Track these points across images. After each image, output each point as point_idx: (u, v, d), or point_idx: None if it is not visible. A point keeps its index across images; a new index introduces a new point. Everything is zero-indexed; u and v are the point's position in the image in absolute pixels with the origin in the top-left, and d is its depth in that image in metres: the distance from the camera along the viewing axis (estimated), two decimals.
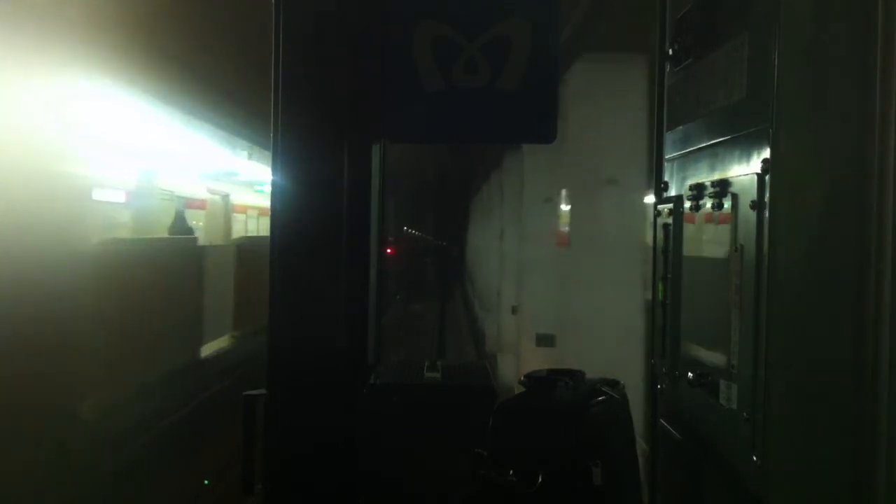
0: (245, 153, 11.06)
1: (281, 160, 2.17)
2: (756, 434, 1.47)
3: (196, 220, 9.89)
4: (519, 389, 1.88)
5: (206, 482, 5.53)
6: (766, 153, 1.45)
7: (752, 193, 1.49)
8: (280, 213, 2.17)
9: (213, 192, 10.89)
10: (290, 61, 2.16)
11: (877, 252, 1.38)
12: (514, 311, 8.08)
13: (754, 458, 1.46)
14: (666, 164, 2.15)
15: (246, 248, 10.07)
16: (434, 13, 2.25)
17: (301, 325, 2.18)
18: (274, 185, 2.18)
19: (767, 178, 1.45)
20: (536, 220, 7.06)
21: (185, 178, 9.30)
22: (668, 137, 2.14)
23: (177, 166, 8.71)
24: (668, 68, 2.16)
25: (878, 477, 1.38)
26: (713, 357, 1.70)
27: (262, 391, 2.18)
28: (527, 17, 2.24)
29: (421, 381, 2.26)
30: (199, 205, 10.33)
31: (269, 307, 2.19)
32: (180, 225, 8.72)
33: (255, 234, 12.70)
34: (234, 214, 12.29)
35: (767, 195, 1.45)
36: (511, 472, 1.69)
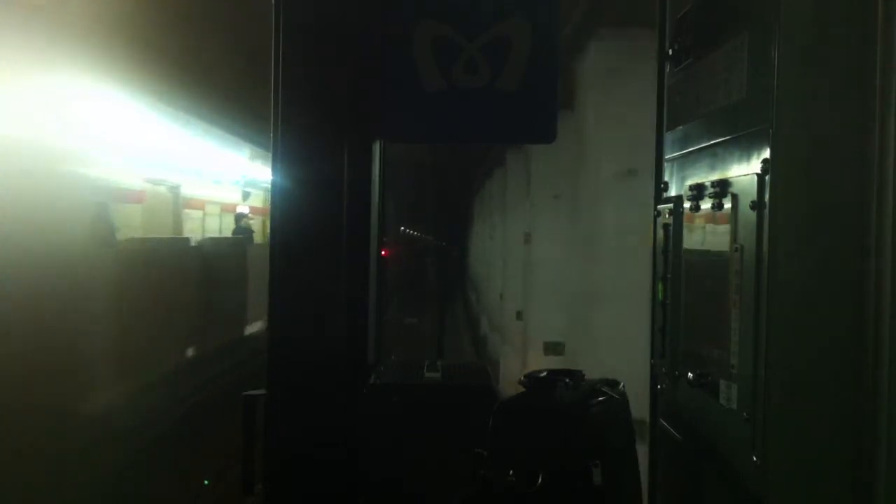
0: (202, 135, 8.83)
1: (281, 160, 2.17)
2: (756, 434, 1.47)
3: (132, 217, 6.96)
4: (519, 389, 1.88)
5: (206, 482, 5.46)
6: (766, 153, 1.45)
7: (752, 193, 1.49)
8: (280, 213, 2.17)
9: (154, 182, 8.17)
10: (290, 61, 2.16)
11: (876, 252, 1.38)
12: (553, 351, 5.49)
13: (754, 458, 1.46)
14: (666, 164, 2.15)
15: (144, 256, 6.50)
16: (434, 13, 2.25)
17: (301, 325, 2.18)
18: (274, 185, 2.18)
19: (767, 178, 1.45)
20: (610, 211, 4.43)
21: (119, 163, 6.43)
22: (668, 137, 2.14)
23: (107, 149, 5.99)
24: (668, 68, 2.16)
25: (878, 477, 1.38)
26: (713, 357, 1.70)
27: (262, 391, 2.18)
28: (527, 17, 2.24)
29: (421, 381, 2.26)
30: (136, 197, 7.43)
31: (269, 307, 2.19)
32: (104, 223, 5.99)
33: (214, 234, 9.93)
34: (187, 211, 9.31)
35: (767, 195, 1.45)
36: (511, 472, 1.69)
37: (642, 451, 2.00)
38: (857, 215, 1.40)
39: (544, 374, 1.88)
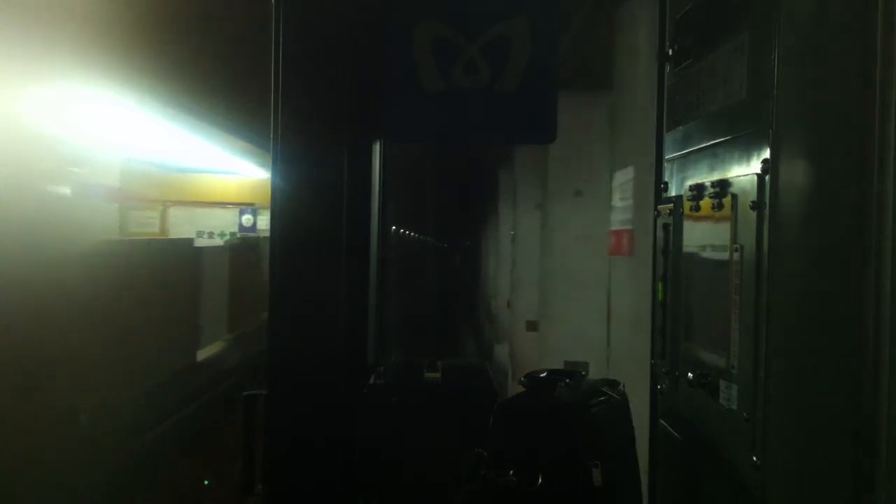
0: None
1: (281, 160, 2.17)
2: (756, 434, 1.46)
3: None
4: (519, 389, 1.88)
5: (206, 482, 5.48)
6: (766, 153, 1.45)
7: (752, 193, 1.48)
8: (280, 213, 2.17)
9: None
10: (290, 61, 2.16)
11: (877, 252, 1.38)
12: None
13: (754, 458, 1.46)
14: (666, 164, 2.15)
15: None
16: (434, 13, 2.25)
17: (301, 325, 2.18)
18: (274, 185, 2.18)
19: (767, 178, 1.45)
20: None
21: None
22: (668, 137, 2.14)
23: None
24: (668, 68, 2.16)
25: (877, 478, 1.38)
26: (713, 357, 1.70)
27: (262, 391, 2.18)
28: (527, 18, 2.24)
29: (421, 382, 2.26)
30: None
31: (270, 307, 2.19)
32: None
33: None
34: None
35: (767, 195, 1.45)
36: (511, 472, 1.69)
37: (642, 451, 2.00)
38: (857, 215, 1.40)
39: (544, 374, 1.88)
